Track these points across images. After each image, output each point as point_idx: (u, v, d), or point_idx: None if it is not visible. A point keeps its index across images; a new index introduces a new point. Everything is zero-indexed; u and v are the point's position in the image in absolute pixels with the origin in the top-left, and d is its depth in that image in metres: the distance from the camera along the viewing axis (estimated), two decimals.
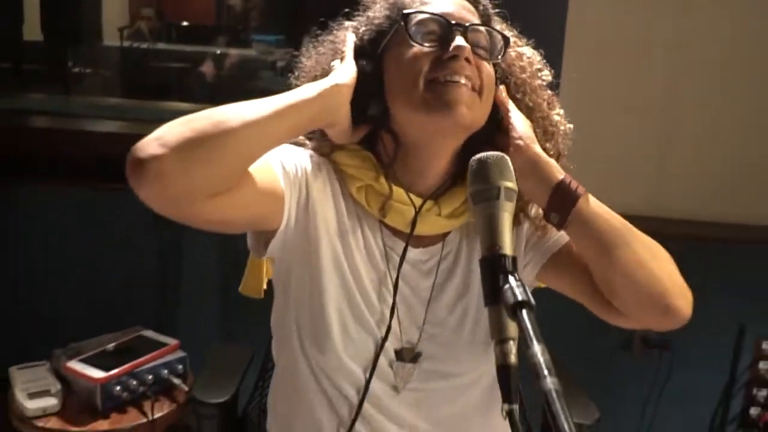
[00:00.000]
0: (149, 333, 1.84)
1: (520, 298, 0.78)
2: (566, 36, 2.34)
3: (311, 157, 1.15)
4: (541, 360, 0.73)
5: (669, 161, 2.46)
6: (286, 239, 1.12)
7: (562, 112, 1.21)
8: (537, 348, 0.73)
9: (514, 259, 0.85)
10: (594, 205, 1.09)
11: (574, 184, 1.08)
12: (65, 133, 2.95)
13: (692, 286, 1.13)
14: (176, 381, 1.70)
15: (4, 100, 3.72)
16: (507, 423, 1.09)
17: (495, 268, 0.84)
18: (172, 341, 1.76)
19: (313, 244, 1.14)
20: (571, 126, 1.22)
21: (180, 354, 1.75)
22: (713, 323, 2.44)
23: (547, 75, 1.22)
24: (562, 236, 1.17)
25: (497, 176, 0.90)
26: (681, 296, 1.09)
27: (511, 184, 0.90)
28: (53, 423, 1.61)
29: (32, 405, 1.61)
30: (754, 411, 2.55)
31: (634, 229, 1.10)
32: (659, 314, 1.09)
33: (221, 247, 2.64)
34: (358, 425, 1.16)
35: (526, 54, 1.20)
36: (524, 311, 0.77)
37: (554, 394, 0.72)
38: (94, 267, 2.59)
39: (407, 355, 1.18)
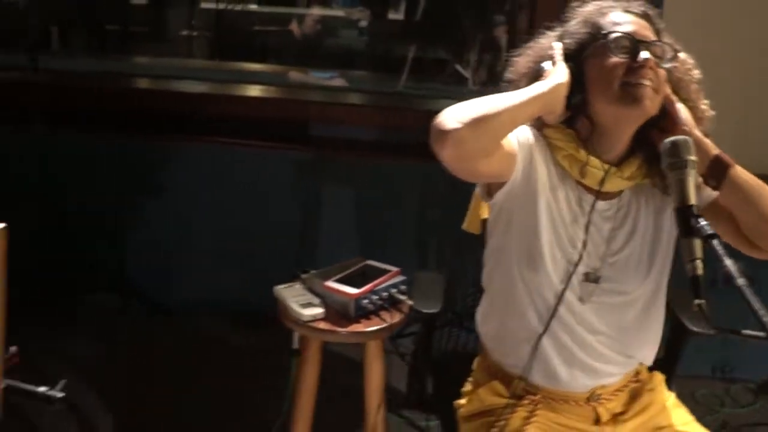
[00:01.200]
0: (373, 262, 2.31)
1: (710, 231, 1.18)
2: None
3: (531, 131, 1.51)
4: (732, 268, 1.11)
5: (753, 115, 2.66)
6: (512, 188, 1.47)
7: (707, 102, 1.50)
8: (728, 261, 1.12)
9: (698, 207, 1.23)
10: (739, 171, 1.39)
11: (725, 157, 1.38)
12: (168, 93, 3.46)
13: None
14: (401, 297, 2.19)
15: (111, 63, 4.17)
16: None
17: (687, 214, 1.22)
18: (394, 268, 2.25)
19: (533, 192, 1.47)
20: (714, 113, 1.49)
21: (401, 277, 2.23)
22: None
23: (697, 74, 1.50)
24: (711, 193, 1.44)
25: (685, 152, 1.27)
26: None
27: (694, 157, 1.27)
28: (323, 326, 2.09)
29: (306, 312, 2.09)
30: None
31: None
32: None
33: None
34: (554, 324, 1.52)
35: (680, 57, 1.49)
36: (714, 240, 1.17)
37: (745, 288, 1.08)
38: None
39: (591, 277, 1.52)
